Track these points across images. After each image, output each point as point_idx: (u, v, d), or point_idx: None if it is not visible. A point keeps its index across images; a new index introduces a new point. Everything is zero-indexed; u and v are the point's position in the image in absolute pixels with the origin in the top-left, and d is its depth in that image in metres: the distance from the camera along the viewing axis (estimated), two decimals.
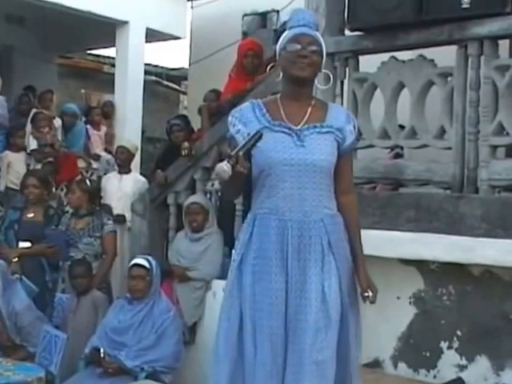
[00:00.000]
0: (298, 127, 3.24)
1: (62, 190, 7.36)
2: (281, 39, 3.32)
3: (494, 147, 4.57)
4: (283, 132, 3.23)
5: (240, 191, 3.45)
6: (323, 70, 3.40)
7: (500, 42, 4.62)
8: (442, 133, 4.81)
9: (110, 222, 6.28)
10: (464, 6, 4.49)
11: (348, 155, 3.40)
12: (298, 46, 3.23)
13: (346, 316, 3.24)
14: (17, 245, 6.20)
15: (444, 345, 4.61)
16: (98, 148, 9.01)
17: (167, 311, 5.20)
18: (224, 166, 2.98)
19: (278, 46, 3.32)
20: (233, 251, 3.41)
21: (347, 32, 5.27)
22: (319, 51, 3.27)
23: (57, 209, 6.71)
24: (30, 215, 6.33)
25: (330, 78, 3.64)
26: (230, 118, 3.37)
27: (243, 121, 3.30)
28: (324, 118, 3.30)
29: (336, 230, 3.27)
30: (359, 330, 3.35)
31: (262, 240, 3.24)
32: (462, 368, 4.54)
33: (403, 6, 4.73)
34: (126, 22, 9.76)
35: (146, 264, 5.29)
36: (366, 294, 3.28)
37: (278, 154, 3.20)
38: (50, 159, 7.85)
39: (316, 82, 3.33)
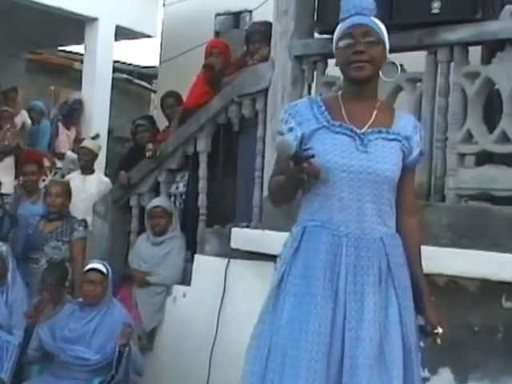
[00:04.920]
0: (362, 130, 2.85)
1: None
2: (335, 35, 2.95)
3: (462, 155, 4.49)
4: (344, 134, 2.84)
5: (294, 196, 2.93)
6: (388, 60, 2.98)
7: (471, 48, 4.54)
8: None
9: (81, 227, 6.03)
10: (434, 11, 4.41)
11: (412, 169, 3.03)
12: (351, 41, 2.84)
13: (409, 357, 2.84)
14: None
15: None
16: (64, 147, 8.88)
17: (123, 320, 4.91)
18: (288, 140, 2.70)
19: (333, 44, 2.97)
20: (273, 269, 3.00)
21: (316, 35, 5.18)
22: (378, 40, 2.87)
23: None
24: None
25: (397, 69, 3.11)
26: (282, 113, 3.01)
27: (298, 119, 2.92)
28: (391, 124, 2.92)
29: (396, 253, 2.88)
30: (419, 376, 2.94)
31: (309, 256, 2.82)
32: (424, 380, 4.41)
33: None
34: (95, 19, 9.68)
35: (103, 269, 5.06)
36: (436, 331, 2.90)
37: (336, 157, 2.80)
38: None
39: (380, 73, 2.93)
